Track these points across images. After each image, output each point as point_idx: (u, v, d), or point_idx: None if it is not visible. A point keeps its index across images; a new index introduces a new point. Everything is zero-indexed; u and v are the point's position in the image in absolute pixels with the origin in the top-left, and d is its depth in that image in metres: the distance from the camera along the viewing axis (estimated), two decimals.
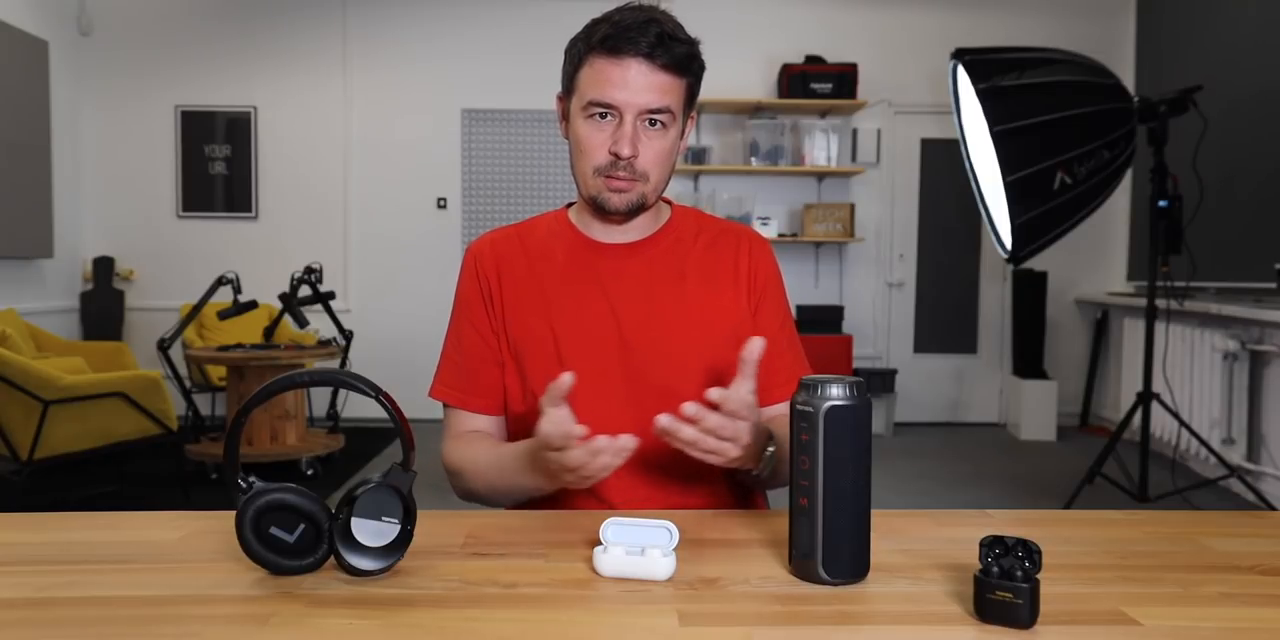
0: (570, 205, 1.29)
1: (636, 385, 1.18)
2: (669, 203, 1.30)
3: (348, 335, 4.53)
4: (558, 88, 1.22)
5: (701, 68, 1.17)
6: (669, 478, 1.18)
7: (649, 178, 1.15)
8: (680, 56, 1.12)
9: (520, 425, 1.24)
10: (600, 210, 1.18)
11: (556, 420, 0.96)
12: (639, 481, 1.18)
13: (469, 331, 1.25)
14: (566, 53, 1.17)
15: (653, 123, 1.13)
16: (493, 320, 1.23)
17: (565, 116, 1.20)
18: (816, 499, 0.81)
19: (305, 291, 4.36)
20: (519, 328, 1.21)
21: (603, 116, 1.13)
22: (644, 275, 1.22)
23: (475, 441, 1.23)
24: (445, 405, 1.26)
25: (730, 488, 1.24)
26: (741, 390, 0.99)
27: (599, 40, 1.11)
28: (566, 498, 1.19)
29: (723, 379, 1.21)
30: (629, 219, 1.21)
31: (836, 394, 0.81)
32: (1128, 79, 5.32)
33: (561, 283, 1.22)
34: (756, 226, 5.29)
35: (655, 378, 1.18)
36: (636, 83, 1.11)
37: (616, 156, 1.13)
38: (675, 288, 1.22)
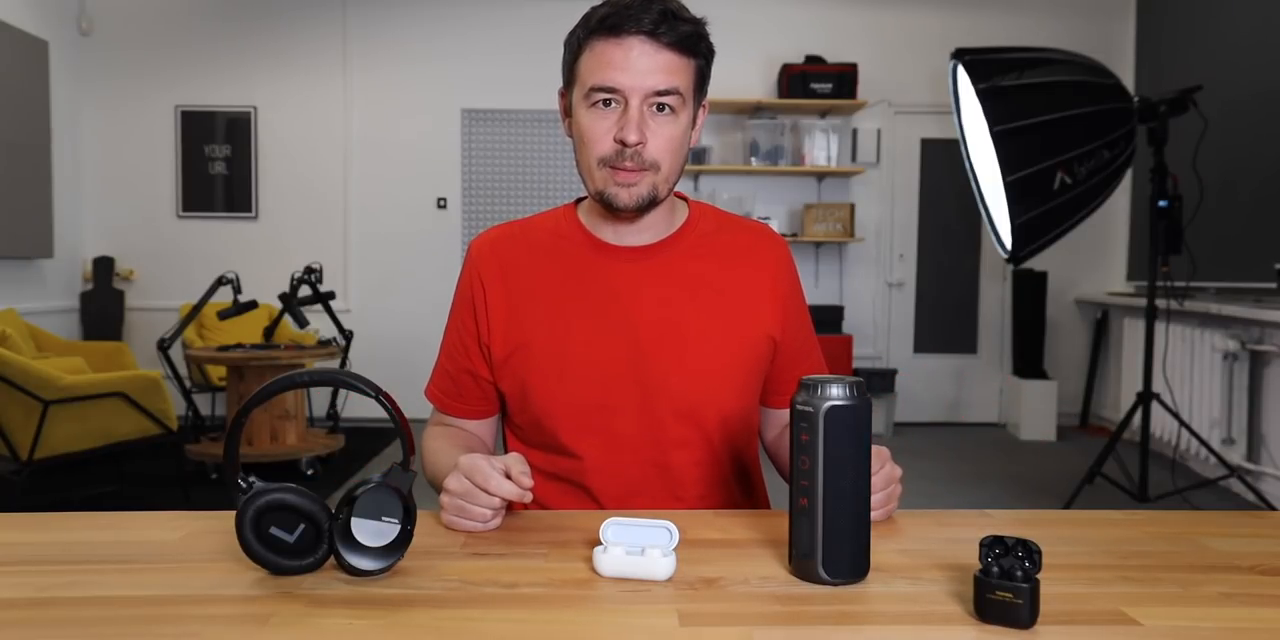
0: (580, 201, 1.21)
1: (653, 397, 1.13)
2: (685, 199, 1.22)
3: (348, 335, 4.52)
4: (558, 88, 1.15)
5: (710, 50, 1.09)
6: (683, 489, 1.17)
7: (659, 167, 1.07)
8: (687, 35, 1.04)
9: (520, 434, 1.22)
10: (609, 207, 1.10)
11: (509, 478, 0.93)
12: (651, 493, 1.16)
13: (454, 337, 1.21)
14: (565, 44, 1.11)
15: (660, 107, 1.05)
16: (479, 328, 1.18)
17: (567, 112, 1.12)
18: (816, 499, 0.81)
19: (305, 291, 4.36)
20: (519, 333, 1.15)
21: (606, 104, 1.05)
22: (660, 282, 1.15)
23: (442, 437, 1.19)
24: None
25: (740, 493, 1.23)
26: None
27: (598, 21, 1.04)
28: (567, 498, 1.19)
29: (746, 389, 1.18)
30: (640, 216, 1.13)
31: (836, 394, 0.81)
32: (1128, 79, 5.32)
33: (570, 289, 1.15)
34: None
35: (675, 389, 1.13)
36: (640, 63, 1.03)
37: (623, 144, 1.04)
38: (696, 295, 1.15)
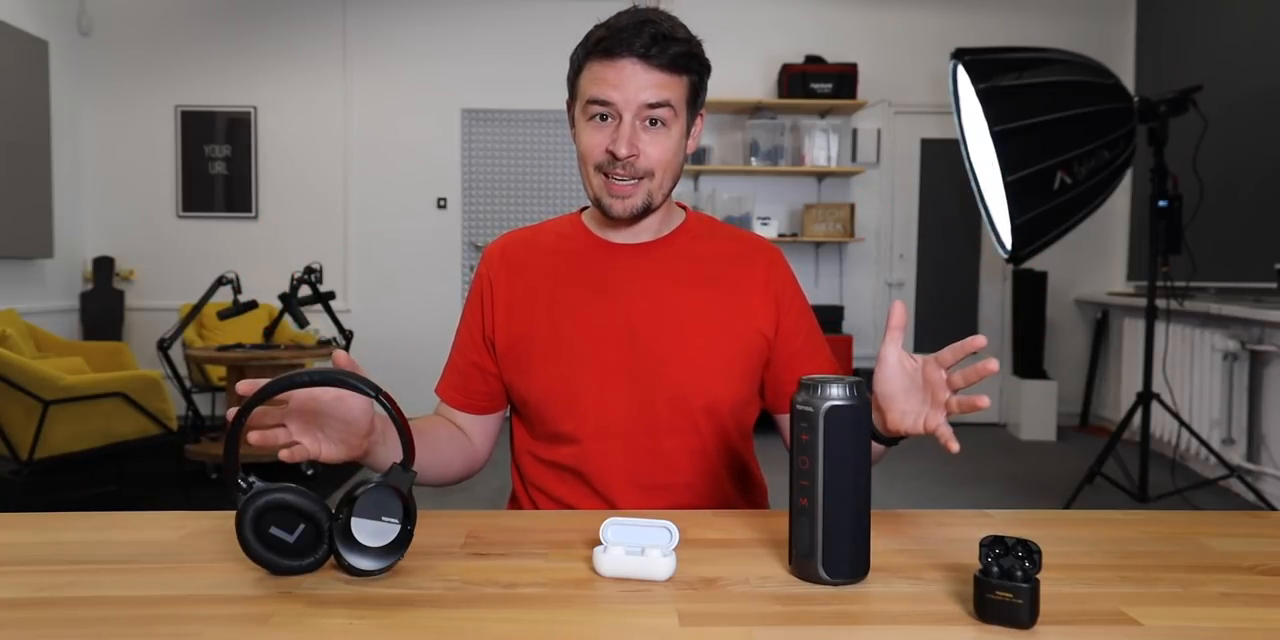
0: (585, 209, 1.29)
1: (644, 384, 1.17)
2: (684, 208, 1.29)
3: (348, 335, 4.52)
4: (557, 88, 1.22)
5: (704, 66, 1.16)
6: (672, 476, 1.19)
7: (654, 176, 1.14)
8: (676, 55, 1.11)
9: (526, 424, 1.25)
10: (605, 214, 1.17)
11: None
12: (643, 479, 1.18)
13: (464, 333, 1.27)
14: (570, 60, 1.17)
15: (653, 121, 1.12)
16: (485, 322, 1.24)
17: (572, 123, 1.20)
18: (816, 499, 0.81)
19: (305, 291, 4.36)
20: (523, 326, 1.21)
21: (603, 118, 1.13)
22: (656, 275, 1.21)
23: (423, 418, 1.23)
24: None
25: (732, 487, 1.24)
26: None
27: (594, 44, 1.12)
28: (568, 496, 1.20)
29: (736, 379, 1.21)
30: (636, 222, 1.20)
31: (836, 394, 0.81)
32: (1128, 79, 5.32)
33: (569, 281, 1.21)
34: (756, 226, 5.29)
35: (665, 377, 1.17)
36: (632, 81, 1.10)
37: (614, 156, 1.11)
38: (688, 289, 1.20)
